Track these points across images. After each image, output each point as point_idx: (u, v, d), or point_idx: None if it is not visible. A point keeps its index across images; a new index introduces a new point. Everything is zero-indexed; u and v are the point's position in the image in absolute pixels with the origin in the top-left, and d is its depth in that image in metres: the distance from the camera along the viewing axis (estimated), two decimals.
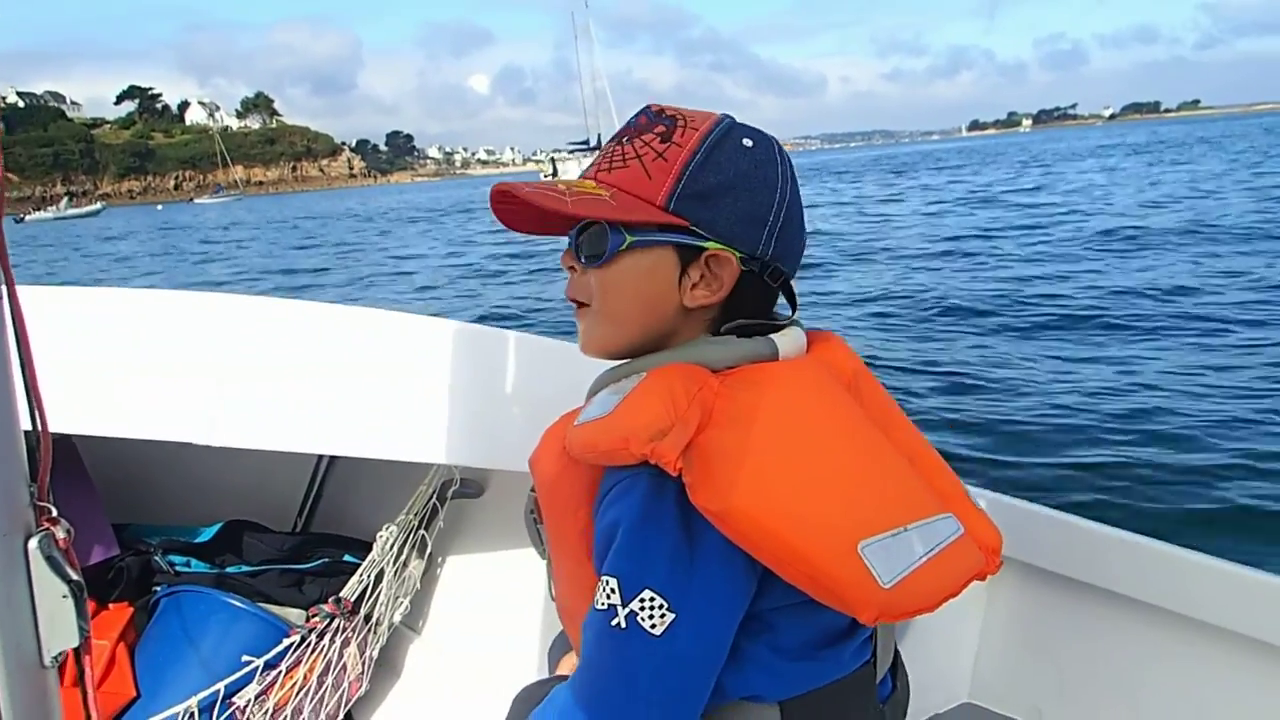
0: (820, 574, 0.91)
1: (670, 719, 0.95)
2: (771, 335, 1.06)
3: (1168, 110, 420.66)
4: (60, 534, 0.77)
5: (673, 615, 0.92)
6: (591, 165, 1.10)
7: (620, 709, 0.94)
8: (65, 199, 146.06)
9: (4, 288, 0.73)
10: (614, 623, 0.93)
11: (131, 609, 2.14)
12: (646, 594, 0.93)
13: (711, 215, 1.03)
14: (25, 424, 0.75)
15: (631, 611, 0.93)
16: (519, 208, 1.09)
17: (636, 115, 1.09)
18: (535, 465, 1.12)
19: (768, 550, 0.91)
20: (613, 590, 0.94)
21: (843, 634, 1.07)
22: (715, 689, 0.98)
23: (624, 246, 1.03)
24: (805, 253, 1.13)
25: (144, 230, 54.59)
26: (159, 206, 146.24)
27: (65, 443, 2.30)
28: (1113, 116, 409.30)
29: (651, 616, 0.92)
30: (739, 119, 1.09)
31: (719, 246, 1.03)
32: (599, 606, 0.95)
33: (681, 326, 1.08)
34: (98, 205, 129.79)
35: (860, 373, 1.12)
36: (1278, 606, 1.43)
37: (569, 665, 1.32)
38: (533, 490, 1.21)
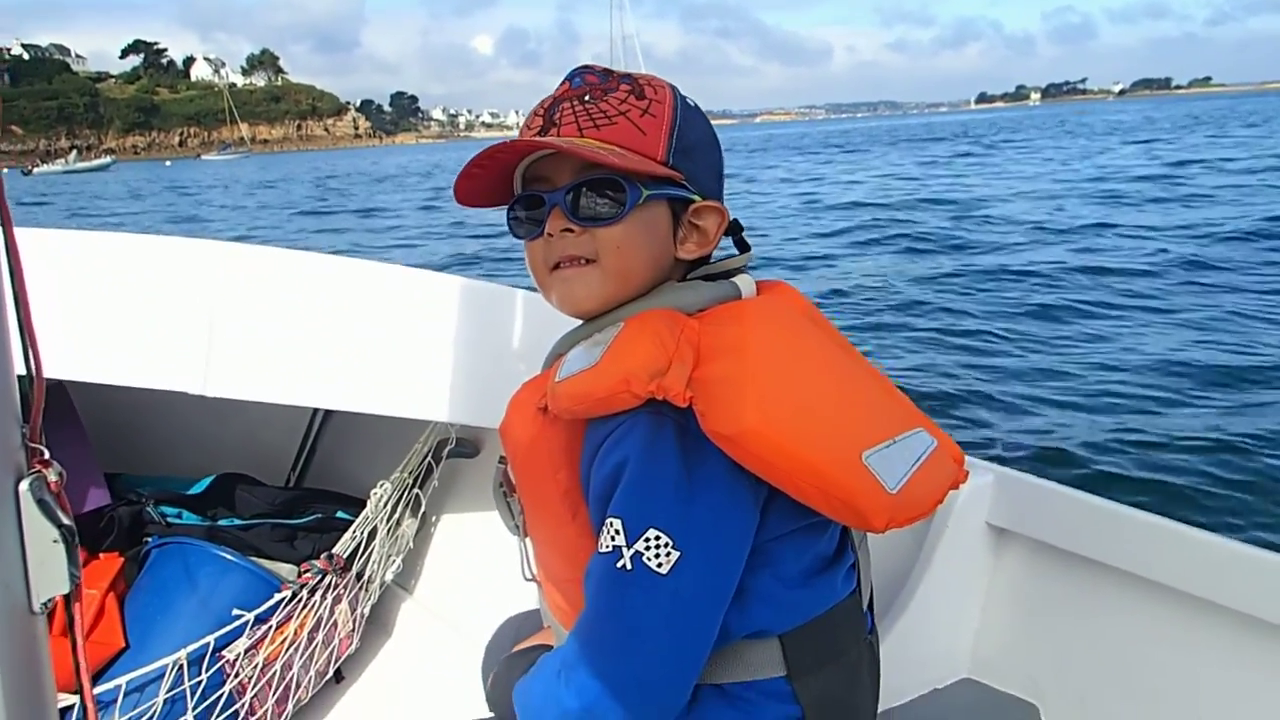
0: (833, 485, 0.93)
1: (680, 658, 0.94)
2: (733, 279, 1.10)
3: (1178, 87, 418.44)
4: (52, 477, 0.76)
5: (678, 554, 0.92)
6: (552, 125, 1.07)
7: (629, 651, 0.94)
8: (74, 152, 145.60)
9: (1, 229, 0.72)
10: (619, 564, 0.93)
11: (122, 559, 2.12)
12: (651, 533, 0.93)
13: (694, 169, 1.08)
14: (19, 367, 0.74)
15: (637, 552, 0.92)
16: (483, 175, 1.09)
17: (578, 74, 1.09)
18: (506, 433, 1.11)
19: (781, 468, 0.93)
20: (617, 532, 0.94)
21: (833, 559, 1.10)
22: (720, 631, 0.98)
23: (642, 200, 1.05)
24: None
25: (155, 187, 53.08)
26: (168, 162, 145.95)
27: (59, 389, 2.28)
28: (1122, 92, 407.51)
29: (657, 555, 0.92)
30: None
31: (703, 199, 1.09)
32: (603, 550, 0.95)
33: (666, 277, 1.11)
34: (107, 159, 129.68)
35: (813, 311, 1.15)
36: (1279, 584, 1.42)
37: (528, 642, 1.31)
38: (500, 463, 1.19)
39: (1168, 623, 1.57)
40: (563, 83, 1.10)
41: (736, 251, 1.18)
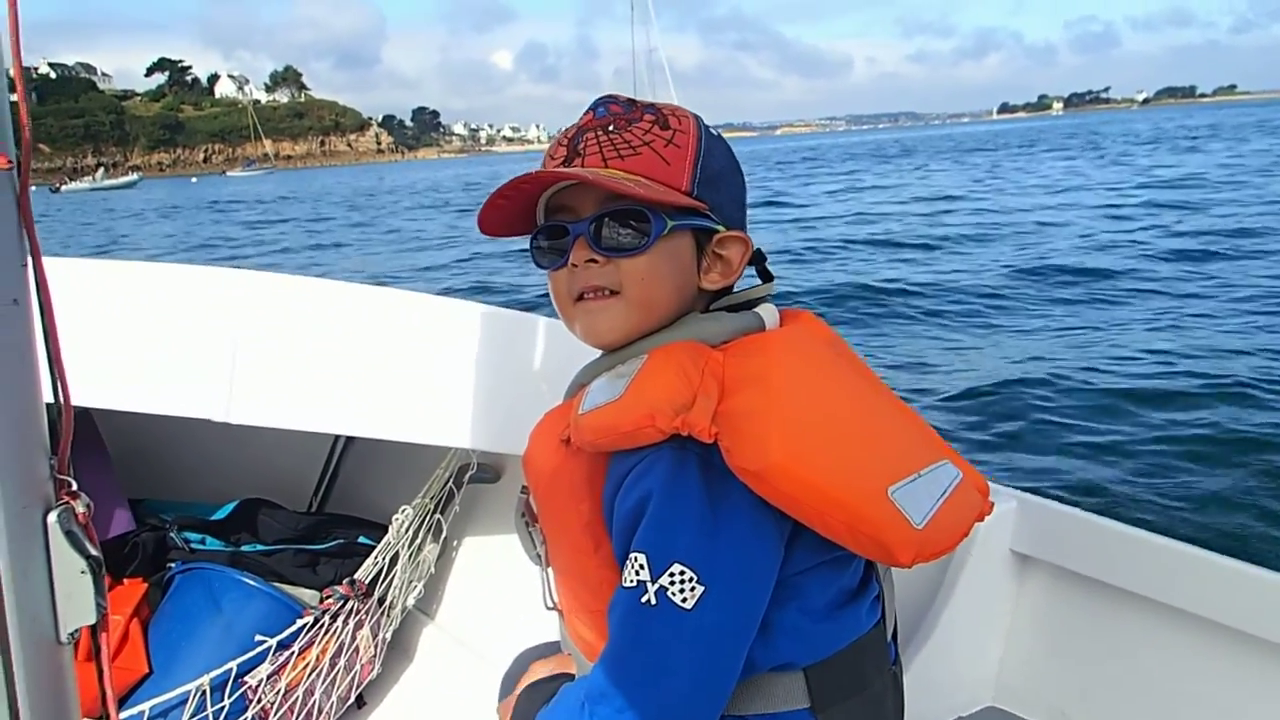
0: (860, 521, 0.93)
1: (705, 693, 0.94)
2: (756, 310, 1.10)
3: (1203, 95, 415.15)
4: (80, 508, 0.76)
5: (703, 588, 0.92)
6: (576, 155, 1.07)
7: (654, 686, 0.93)
8: (101, 170, 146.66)
9: (30, 259, 0.72)
10: (644, 599, 0.93)
11: (146, 585, 2.13)
12: (676, 568, 0.92)
13: (718, 199, 1.07)
14: (47, 396, 0.75)
15: (661, 587, 0.92)
16: (508, 205, 1.09)
17: (602, 104, 1.09)
18: (529, 464, 1.12)
19: (808, 504, 0.92)
20: (641, 566, 0.93)
21: (857, 592, 1.09)
22: (745, 663, 0.97)
23: (666, 231, 1.04)
24: None
25: (188, 206, 51.30)
26: (194, 179, 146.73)
27: (83, 416, 2.30)
28: (1146, 101, 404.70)
29: (682, 590, 0.92)
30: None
31: (726, 229, 1.09)
32: (627, 584, 0.94)
33: (690, 308, 1.10)
34: (134, 176, 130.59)
35: (837, 340, 1.15)
36: None
37: (548, 668, 1.30)
38: (523, 492, 1.19)
39: (1193, 651, 1.55)
40: (586, 112, 1.09)
41: (759, 281, 1.17)
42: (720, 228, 1.08)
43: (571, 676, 1.21)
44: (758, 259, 1.15)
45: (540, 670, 1.30)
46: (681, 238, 1.06)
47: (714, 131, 1.10)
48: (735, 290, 1.14)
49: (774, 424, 0.92)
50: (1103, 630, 1.68)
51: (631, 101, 1.09)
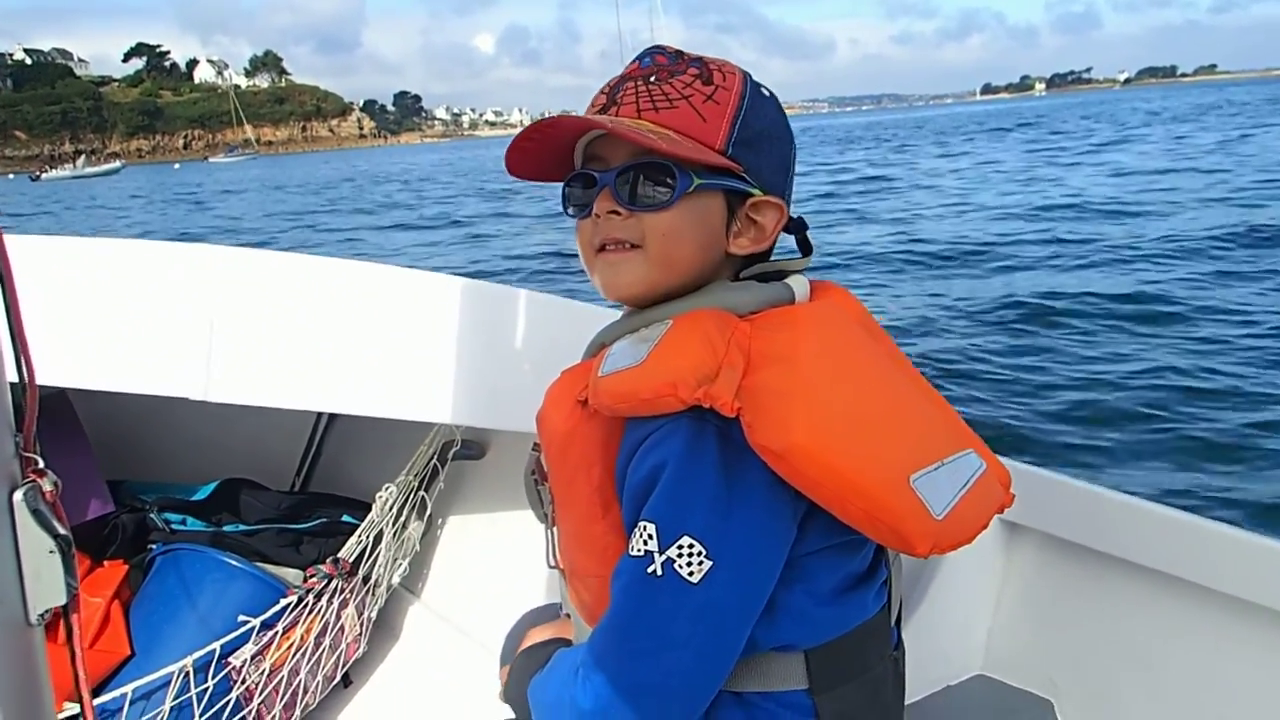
0: (880, 509, 0.91)
1: (703, 670, 0.93)
2: (786, 281, 1.06)
3: (1184, 75, 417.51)
4: (47, 486, 0.75)
5: (710, 563, 0.90)
6: (613, 103, 1.04)
7: (652, 658, 0.92)
8: (83, 157, 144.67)
9: None
10: (650, 570, 0.91)
11: (126, 567, 2.11)
12: (685, 540, 0.91)
13: (758, 162, 1.03)
14: (11, 375, 0.73)
15: (669, 559, 0.91)
16: (533, 149, 1.07)
17: (648, 54, 1.05)
18: (543, 422, 1.08)
19: (828, 487, 0.90)
20: (650, 536, 0.92)
21: (864, 577, 1.06)
22: (747, 642, 0.96)
23: (691, 189, 1.01)
24: None
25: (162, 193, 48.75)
26: (176, 165, 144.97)
27: (60, 397, 2.27)
28: (1128, 81, 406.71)
29: (690, 564, 0.90)
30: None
31: (763, 194, 1.04)
32: (634, 553, 0.93)
33: (717, 272, 1.07)
34: (117, 164, 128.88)
35: (867, 318, 1.11)
36: None
37: (546, 634, 1.28)
38: (534, 449, 1.17)
39: (1182, 616, 1.55)
40: (633, 62, 1.06)
41: (799, 254, 1.13)
42: (755, 191, 1.04)
43: (568, 642, 1.19)
44: (798, 228, 1.10)
45: (537, 635, 1.28)
46: (711, 198, 1.02)
47: (765, 92, 1.05)
48: (772, 259, 1.11)
49: (799, 403, 0.90)
50: (1091, 597, 1.68)
51: (679, 53, 1.05)
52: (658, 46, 1.06)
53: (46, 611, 0.75)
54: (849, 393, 0.95)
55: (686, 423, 0.92)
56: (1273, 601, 1.43)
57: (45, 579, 0.74)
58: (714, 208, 1.03)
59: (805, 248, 1.13)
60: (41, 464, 0.75)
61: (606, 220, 1.04)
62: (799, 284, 1.06)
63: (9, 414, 0.72)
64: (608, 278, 1.06)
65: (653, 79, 1.02)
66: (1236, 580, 1.47)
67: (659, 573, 0.90)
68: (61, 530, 0.74)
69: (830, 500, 0.91)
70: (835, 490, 0.90)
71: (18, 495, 0.72)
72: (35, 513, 0.73)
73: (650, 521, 0.92)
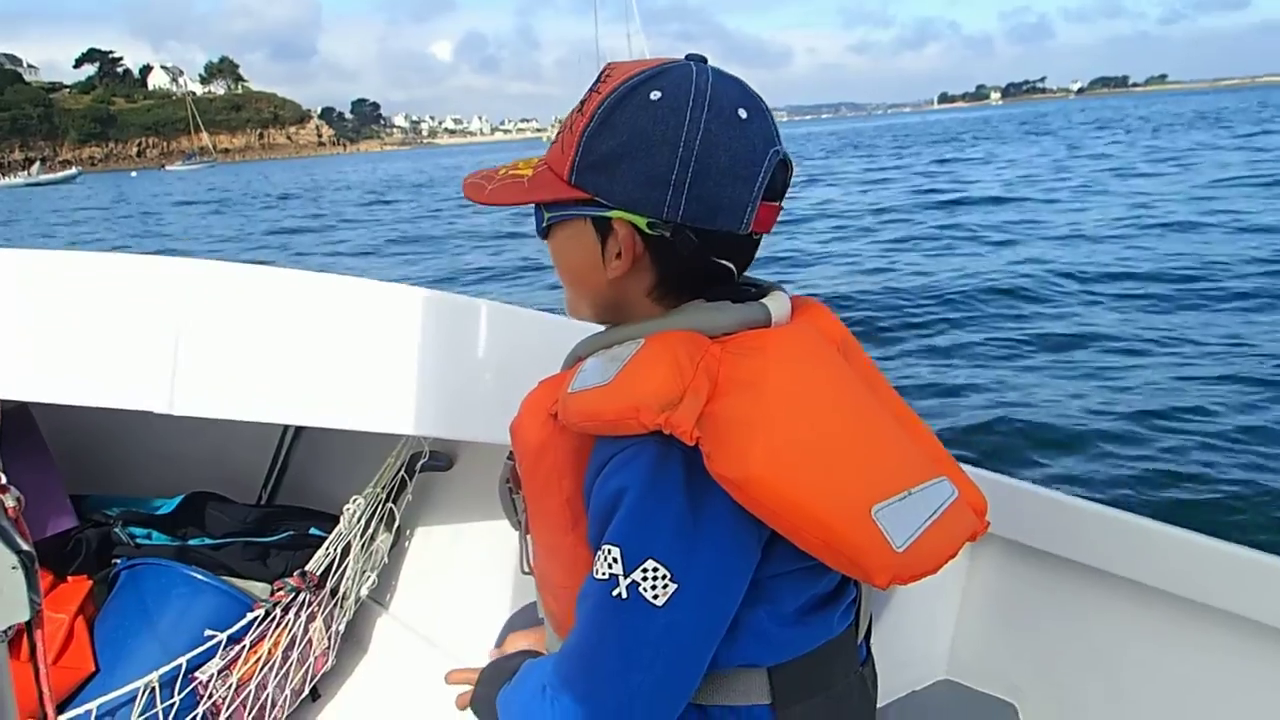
0: (838, 540, 0.90)
1: (667, 691, 0.94)
2: (763, 300, 1.04)
3: (1135, 85, 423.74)
4: (9, 502, 0.74)
5: (675, 586, 0.91)
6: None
7: (616, 680, 0.92)
8: (38, 164, 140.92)
9: None
10: (614, 592, 0.91)
11: (90, 582, 2.09)
12: (650, 564, 0.91)
13: (610, 183, 0.98)
14: None
15: (633, 581, 0.91)
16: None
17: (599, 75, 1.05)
18: (517, 432, 1.09)
19: (785, 517, 0.90)
20: (614, 560, 0.92)
21: (830, 597, 1.07)
22: (711, 659, 0.97)
23: (544, 224, 1.06)
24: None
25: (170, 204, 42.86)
26: (133, 173, 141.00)
27: (21, 411, 2.24)
28: (1081, 90, 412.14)
29: (654, 587, 0.91)
30: None
31: (619, 214, 0.99)
32: (598, 576, 0.93)
33: (622, 297, 1.06)
34: (74, 170, 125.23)
35: (847, 339, 1.11)
36: (1259, 582, 1.43)
37: (524, 641, 1.30)
38: (509, 459, 1.18)
39: (1144, 621, 1.59)
40: None
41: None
42: (611, 214, 0.99)
43: (535, 653, 1.21)
44: (693, 242, 0.99)
45: (518, 642, 1.30)
46: (575, 226, 1.03)
47: (650, 96, 0.96)
48: (751, 279, 1.09)
49: (759, 433, 0.90)
50: (1054, 602, 1.71)
51: (600, 74, 1.03)
52: (607, 65, 1.04)
53: (10, 628, 0.74)
54: (813, 421, 0.94)
55: (652, 446, 0.93)
56: (1232, 605, 1.46)
57: (8, 595, 0.74)
58: (584, 234, 1.03)
59: (708, 272, 1.04)
60: (4, 480, 0.74)
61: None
62: (778, 303, 1.04)
63: None
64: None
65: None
66: (1198, 585, 1.50)
67: (624, 595, 0.91)
68: (24, 546, 0.74)
69: (788, 530, 0.91)
70: (792, 520, 0.90)
71: None
72: None
73: (614, 545, 0.93)
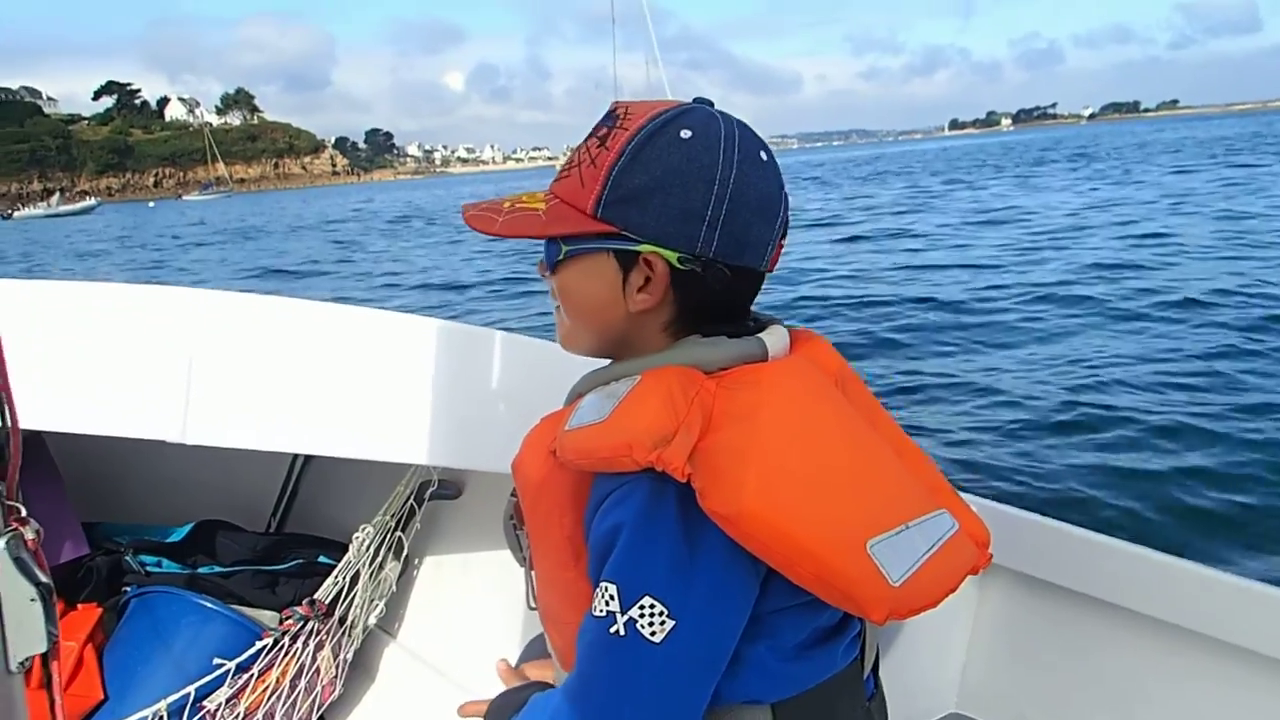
0: (832, 574, 0.91)
1: None
2: (760, 335, 1.05)
3: (1147, 110, 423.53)
4: (29, 535, 0.75)
5: (673, 622, 0.91)
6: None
7: (615, 716, 0.93)
8: (57, 194, 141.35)
9: None
10: (612, 630, 0.92)
11: (100, 610, 2.10)
12: (647, 601, 0.91)
13: (640, 217, 0.99)
14: None
15: (631, 619, 0.91)
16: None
17: (608, 111, 1.07)
18: (518, 469, 1.10)
19: (779, 553, 0.90)
20: (611, 597, 0.93)
21: (834, 631, 1.06)
22: (713, 695, 0.97)
23: (560, 257, 1.05)
24: None
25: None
26: (151, 203, 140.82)
27: (33, 439, 2.26)
28: (1092, 116, 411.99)
29: (651, 624, 0.91)
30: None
31: (651, 248, 1.00)
32: (596, 614, 0.93)
33: (637, 331, 1.07)
34: (92, 201, 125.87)
35: (845, 372, 1.11)
36: (1273, 617, 1.42)
37: (536, 672, 1.30)
38: (513, 495, 1.19)
39: (1155, 655, 1.58)
40: None
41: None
42: (640, 248, 1.00)
43: (544, 685, 1.21)
44: (729, 278, 1.02)
45: (532, 672, 1.30)
46: (595, 259, 1.03)
47: (680, 134, 0.99)
48: (753, 313, 1.10)
49: (752, 467, 0.90)
50: (1064, 635, 1.70)
51: (611, 113, 1.04)
52: (614, 104, 1.06)
53: (27, 660, 0.75)
54: (808, 455, 0.94)
55: (647, 483, 0.93)
56: (1244, 640, 1.45)
57: (26, 627, 0.74)
58: (604, 268, 1.03)
59: (726, 307, 1.06)
60: (24, 512, 0.75)
61: (549, 280, 1.11)
62: (775, 337, 1.05)
63: None
64: (558, 333, 1.14)
65: (582, 142, 1.05)
66: (1209, 619, 1.49)
67: (622, 632, 0.91)
68: (43, 578, 0.75)
69: (782, 564, 0.91)
70: (786, 556, 0.90)
71: (0, 544, 0.73)
72: (17, 561, 0.73)
73: (611, 582, 0.93)
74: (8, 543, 0.73)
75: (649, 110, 1.02)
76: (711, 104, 1.06)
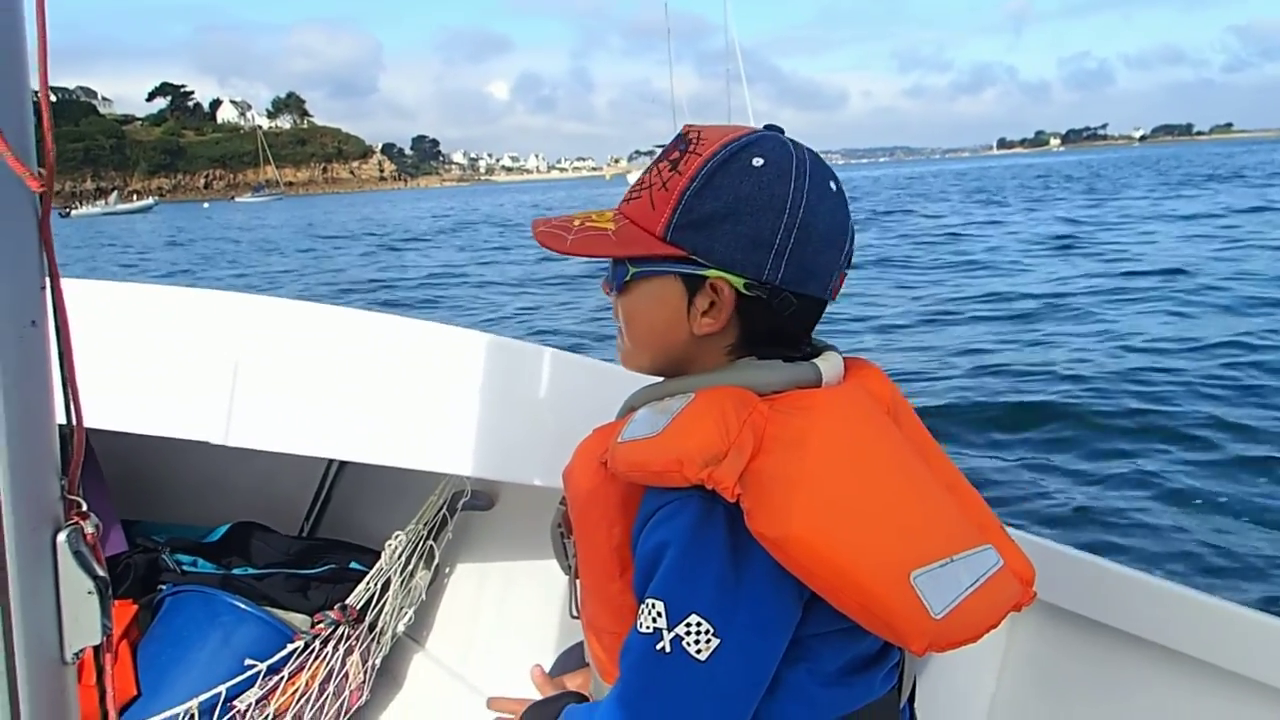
0: (874, 603, 0.91)
1: None
2: (814, 360, 1.05)
3: (1200, 133, 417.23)
4: (89, 529, 0.77)
5: (718, 641, 0.92)
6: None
7: None
8: (114, 194, 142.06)
9: (49, 281, 0.73)
10: (658, 646, 0.93)
11: (136, 607, 2.13)
12: (693, 619, 0.92)
13: (710, 242, 1.01)
14: (59, 417, 0.75)
15: (677, 636, 0.92)
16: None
17: (678, 135, 1.08)
18: (569, 479, 1.12)
19: (822, 578, 0.91)
20: (659, 614, 0.93)
21: (874, 659, 1.07)
22: (751, 718, 0.97)
23: (628, 278, 1.06)
24: None
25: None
26: (205, 204, 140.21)
27: None
28: (1144, 138, 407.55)
29: (697, 641, 0.92)
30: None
31: (718, 274, 1.01)
32: (642, 630, 0.94)
33: (698, 353, 1.07)
34: (150, 201, 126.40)
35: (898, 401, 1.12)
36: None
37: (572, 682, 1.31)
38: (561, 504, 1.20)
39: (1186, 692, 1.55)
40: None
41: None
42: (707, 273, 1.01)
43: (579, 695, 1.22)
44: (791, 308, 1.03)
45: (566, 682, 1.31)
46: (662, 281, 1.05)
47: (752, 163, 1.00)
48: (812, 339, 1.11)
49: (801, 492, 0.91)
50: (1095, 670, 1.68)
51: (685, 134, 1.06)
52: (685, 127, 1.08)
53: (80, 651, 0.77)
54: (855, 483, 0.94)
55: (696, 501, 0.94)
56: (1278, 680, 1.43)
57: (82, 620, 0.76)
58: (669, 290, 1.05)
59: (788, 334, 1.07)
60: (85, 507, 0.77)
61: (613, 301, 1.12)
62: (830, 363, 1.06)
63: (56, 458, 0.75)
64: (617, 347, 1.15)
65: (653, 164, 1.07)
66: (1240, 657, 1.46)
67: (667, 650, 0.92)
68: (100, 572, 0.77)
69: (826, 590, 0.91)
70: (830, 582, 0.91)
71: (61, 537, 0.75)
72: (77, 554, 0.75)
73: (659, 599, 0.94)
74: (69, 536, 0.75)
75: (722, 136, 1.03)
76: (781, 131, 1.07)
